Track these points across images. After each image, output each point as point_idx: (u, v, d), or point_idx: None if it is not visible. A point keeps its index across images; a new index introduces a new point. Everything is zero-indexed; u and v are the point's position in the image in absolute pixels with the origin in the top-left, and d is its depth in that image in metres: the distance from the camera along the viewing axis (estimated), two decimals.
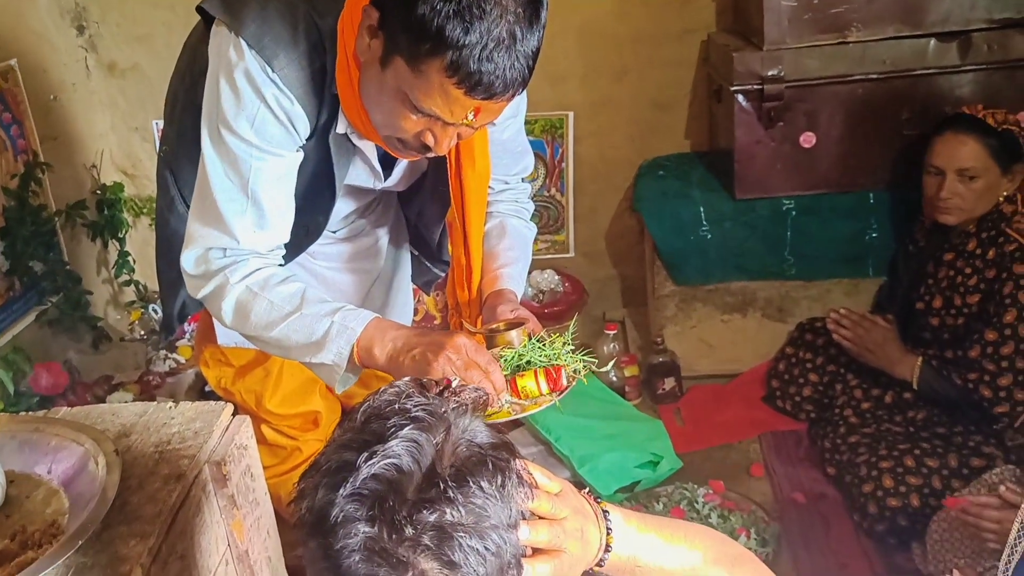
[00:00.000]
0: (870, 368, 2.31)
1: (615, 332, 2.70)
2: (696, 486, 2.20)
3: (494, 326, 1.33)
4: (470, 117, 1.16)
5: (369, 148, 1.40)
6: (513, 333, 1.30)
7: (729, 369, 2.71)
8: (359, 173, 1.45)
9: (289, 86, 1.25)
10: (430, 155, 1.27)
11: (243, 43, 1.22)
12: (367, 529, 0.68)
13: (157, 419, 1.29)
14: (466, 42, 1.05)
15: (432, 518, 0.68)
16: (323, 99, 1.29)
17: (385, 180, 1.50)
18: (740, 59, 2.41)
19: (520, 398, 1.25)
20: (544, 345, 1.28)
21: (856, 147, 2.47)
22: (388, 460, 0.69)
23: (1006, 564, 1.01)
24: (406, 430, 0.71)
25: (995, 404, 2.03)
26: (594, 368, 1.30)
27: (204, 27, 1.34)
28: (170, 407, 1.31)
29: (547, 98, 2.82)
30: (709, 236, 2.57)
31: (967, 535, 1.76)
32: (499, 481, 0.72)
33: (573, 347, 1.29)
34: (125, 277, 2.96)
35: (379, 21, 1.13)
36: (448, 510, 0.69)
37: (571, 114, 2.88)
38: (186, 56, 1.48)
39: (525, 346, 1.28)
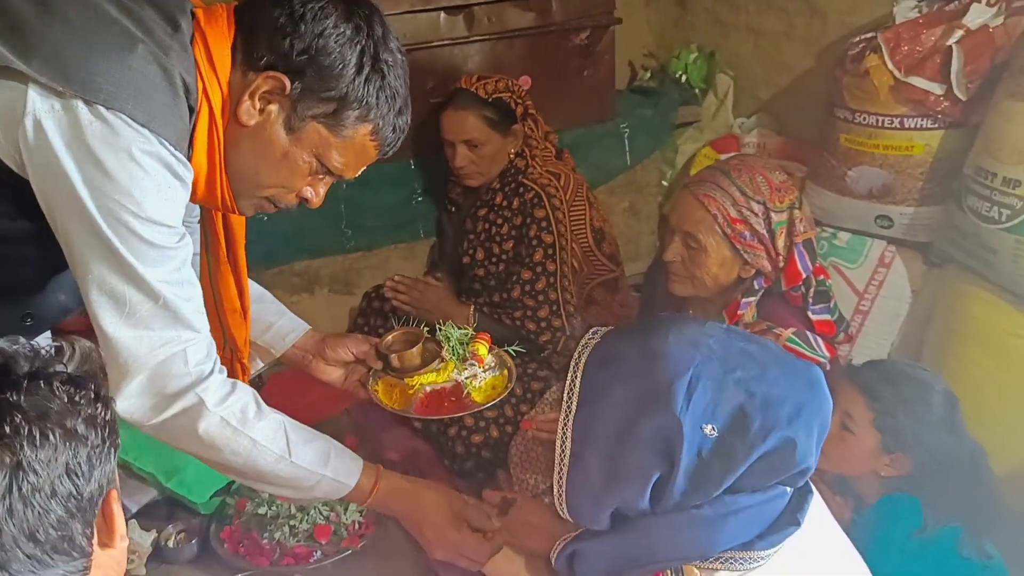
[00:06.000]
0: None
1: None
2: None
3: (389, 354, 1.59)
4: (362, 171, 1.29)
5: None
6: (414, 350, 1.58)
7: None
8: None
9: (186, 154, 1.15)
10: (288, 207, 1.33)
11: (126, 118, 1.07)
12: None
13: None
14: (386, 108, 1.21)
15: None
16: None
17: None
18: None
19: (481, 366, 1.61)
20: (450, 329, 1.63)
21: None
22: None
23: (559, 474, 1.16)
24: None
25: (539, 335, 2.30)
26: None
27: None
28: None
29: None
30: (265, 218, 2.51)
31: (543, 451, 1.99)
32: (71, 389, 0.81)
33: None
34: None
35: (289, 90, 1.17)
36: (11, 394, 0.77)
37: None
38: None
39: (453, 335, 1.62)
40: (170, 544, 1.99)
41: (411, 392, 1.60)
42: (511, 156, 2.38)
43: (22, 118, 1.05)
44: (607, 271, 2.45)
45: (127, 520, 2.01)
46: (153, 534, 1.99)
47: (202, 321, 1.23)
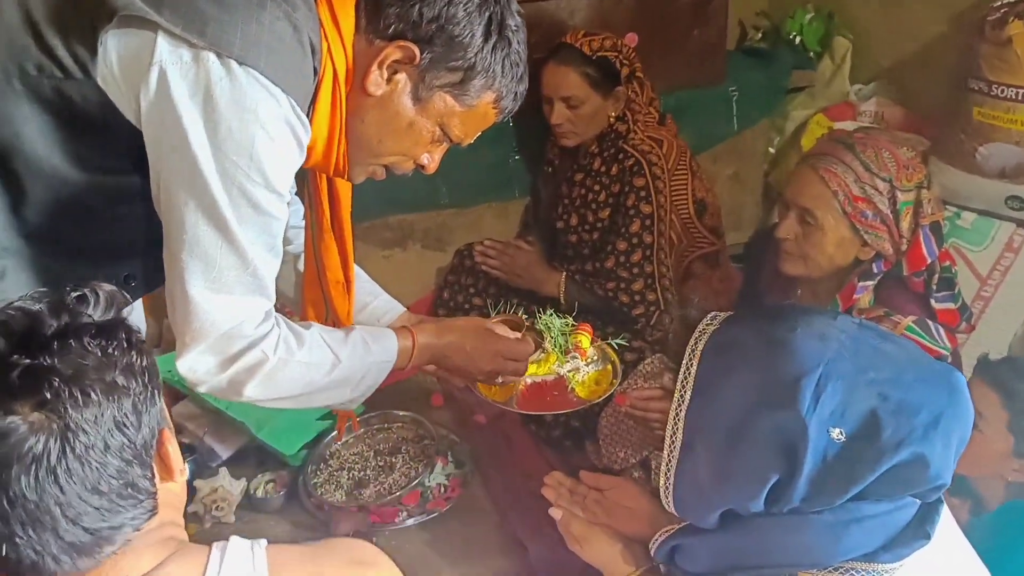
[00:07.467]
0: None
1: None
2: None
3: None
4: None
5: None
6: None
7: None
8: None
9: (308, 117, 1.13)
10: (405, 173, 1.33)
11: (258, 75, 1.03)
12: None
13: None
14: (510, 76, 1.21)
15: (25, 362, 0.74)
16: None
17: None
18: None
19: (584, 359, 1.59)
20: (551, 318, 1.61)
21: None
22: None
23: (667, 466, 1.10)
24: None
25: (633, 308, 2.23)
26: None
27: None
28: None
29: None
30: None
31: (635, 426, 1.94)
32: (102, 342, 0.79)
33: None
34: None
35: (419, 60, 1.14)
36: (43, 357, 0.75)
37: None
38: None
39: (555, 325, 1.60)
40: (259, 493, 2.02)
41: (511, 384, 1.55)
42: (611, 119, 2.28)
43: (148, 68, 1.02)
44: (708, 244, 2.35)
45: (218, 467, 2.05)
46: (243, 482, 2.02)
47: (274, 291, 1.22)
